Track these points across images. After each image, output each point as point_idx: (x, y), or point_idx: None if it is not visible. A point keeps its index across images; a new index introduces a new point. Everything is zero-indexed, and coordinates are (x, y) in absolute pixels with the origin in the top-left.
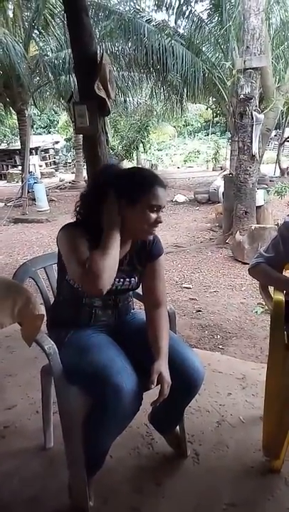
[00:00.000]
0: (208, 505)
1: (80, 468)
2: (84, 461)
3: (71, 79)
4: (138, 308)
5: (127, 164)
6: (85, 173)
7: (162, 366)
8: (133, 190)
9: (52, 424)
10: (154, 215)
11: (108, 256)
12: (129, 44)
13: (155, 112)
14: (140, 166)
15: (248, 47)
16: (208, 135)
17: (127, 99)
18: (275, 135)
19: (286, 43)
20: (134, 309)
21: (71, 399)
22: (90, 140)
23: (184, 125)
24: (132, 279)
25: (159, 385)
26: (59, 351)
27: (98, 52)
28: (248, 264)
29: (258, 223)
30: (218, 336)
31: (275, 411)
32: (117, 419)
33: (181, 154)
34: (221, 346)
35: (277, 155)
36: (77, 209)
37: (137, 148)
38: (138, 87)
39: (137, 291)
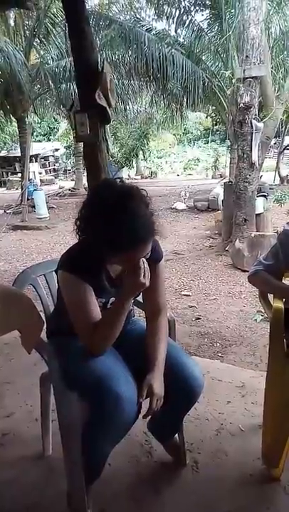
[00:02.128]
0: None
1: (78, 476)
2: (83, 470)
3: (72, 87)
4: (138, 316)
5: (126, 172)
6: (84, 181)
7: (155, 379)
8: (112, 240)
9: (51, 432)
10: (131, 265)
11: (115, 328)
12: (130, 52)
13: (155, 120)
14: (141, 195)
15: (247, 56)
16: (207, 143)
17: (127, 107)
18: (275, 143)
19: (285, 52)
20: (134, 317)
21: (70, 406)
22: (91, 148)
23: (183, 133)
24: None
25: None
26: (58, 359)
27: (99, 61)
28: (248, 271)
29: (257, 231)
30: (218, 344)
31: (274, 420)
32: (115, 427)
33: (181, 162)
34: (220, 354)
35: (277, 163)
36: (79, 228)
37: (137, 155)
38: (138, 95)
39: (137, 298)
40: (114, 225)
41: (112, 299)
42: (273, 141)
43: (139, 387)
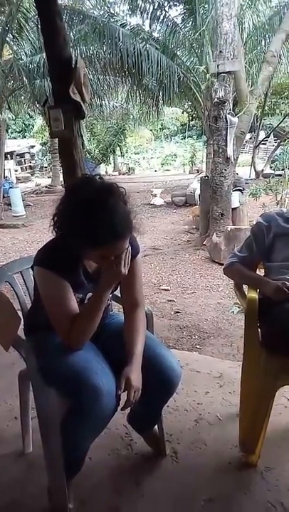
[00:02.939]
0: (187, 502)
1: (59, 471)
2: (63, 464)
3: (46, 83)
4: (116, 311)
5: (103, 168)
6: (61, 178)
7: (132, 371)
8: (88, 235)
9: (31, 430)
10: (107, 261)
11: (93, 321)
12: (104, 48)
13: (131, 116)
14: (120, 192)
15: (221, 51)
16: (184, 138)
17: (103, 102)
18: (250, 138)
19: (258, 48)
20: (112, 311)
21: (49, 402)
22: (66, 144)
23: (160, 129)
24: None
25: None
26: (36, 355)
27: (73, 56)
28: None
29: (233, 225)
30: (196, 336)
31: (250, 407)
32: (95, 420)
33: (158, 158)
34: (198, 346)
35: (252, 157)
36: (56, 224)
37: (114, 151)
38: (114, 91)
39: (115, 293)
40: (93, 220)
41: (90, 295)
42: (248, 136)
43: (118, 379)
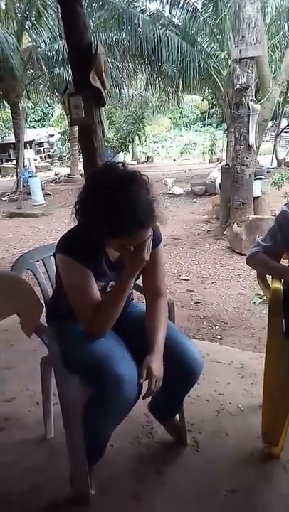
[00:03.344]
0: (209, 492)
1: (81, 457)
2: (85, 451)
3: (65, 71)
4: (137, 300)
5: (122, 157)
6: (80, 167)
7: (154, 360)
8: (109, 224)
9: (52, 416)
10: (128, 249)
11: (116, 309)
12: (124, 34)
13: (150, 104)
14: (143, 180)
15: (243, 36)
16: (204, 126)
17: (122, 90)
18: (272, 126)
19: (281, 33)
20: (133, 300)
21: (71, 388)
22: (86, 131)
23: (179, 117)
24: None
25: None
26: (58, 342)
27: (93, 42)
28: (246, 255)
29: (255, 214)
30: (217, 327)
31: (273, 398)
32: (117, 408)
33: (177, 146)
34: (219, 337)
35: (274, 146)
36: (77, 212)
37: (133, 140)
38: (133, 78)
39: (136, 282)
40: (115, 208)
41: (112, 283)
42: (270, 124)
43: (139, 368)
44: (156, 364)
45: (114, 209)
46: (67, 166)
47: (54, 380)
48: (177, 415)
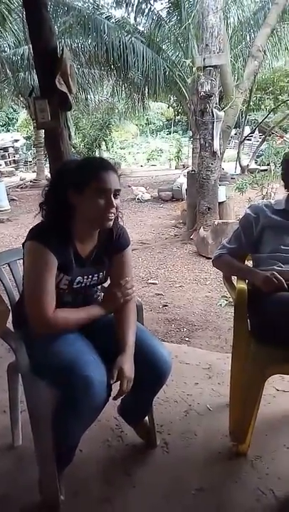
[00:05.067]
0: (178, 492)
1: (50, 463)
2: (54, 456)
3: (30, 76)
4: None
5: None
6: (46, 172)
7: (125, 362)
8: (78, 177)
9: (20, 423)
10: (103, 201)
11: (76, 325)
12: (89, 40)
13: (117, 110)
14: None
15: (207, 45)
16: (170, 133)
17: (88, 96)
18: (235, 133)
19: (244, 43)
20: None
21: (40, 394)
22: (52, 135)
23: (146, 123)
24: (101, 273)
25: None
26: (26, 347)
27: (58, 47)
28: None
29: (220, 219)
30: (185, 329)
31: (240, 397)
32: (86, 410)
33: (144, 153)
34: (187, 339)
35: (238, 153)
36: (43, 207)
37: (100, 146)
38: (99, 85)
39: (104, 285)
40: (80, 165)
41: (79, 279)
42: (234, 131)
43: (110, 369)
44: (128, 365)
45: (79, 166)
46: (33, 172)
47: (21, 386)
48: (147, 417)
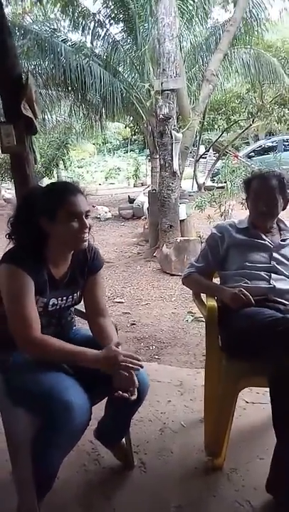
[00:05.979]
0: (158, 510)
1: (30, 491)
2: (33, 484)
3: None
4: (80, 325)
5: (46, 181)
6: (3, 192)
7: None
8: (47, 205)
9: None
10: (76, 224)
11: (60, 360)
12: (46, 63)
13: (74, 130)
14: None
15: (164, 69)
16: (127, 152)
17: (46, 116)
18: (191, 152)
19: (196, 66)
20: (75, 326)
21: (18, 422)
22: (18, 159)
23: (103, 142)
24: (75, 294)
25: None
26: (2, 374)
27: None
28: (176, 275)
29: (182, 236)
30: (154, 347)
31: (214, 411)
32: (67, 435)
33: (102, 171)
34: (157, 356)
35: (194, 171)
36: (13, 226)
37: (57, 165)
38: (56, 105)
39: (78, 307)
40: (48, 191)
41: (53, 301)
42: (189, 150)
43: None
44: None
45: (45, 194)
46: None
47: None
48: (124, 438)
